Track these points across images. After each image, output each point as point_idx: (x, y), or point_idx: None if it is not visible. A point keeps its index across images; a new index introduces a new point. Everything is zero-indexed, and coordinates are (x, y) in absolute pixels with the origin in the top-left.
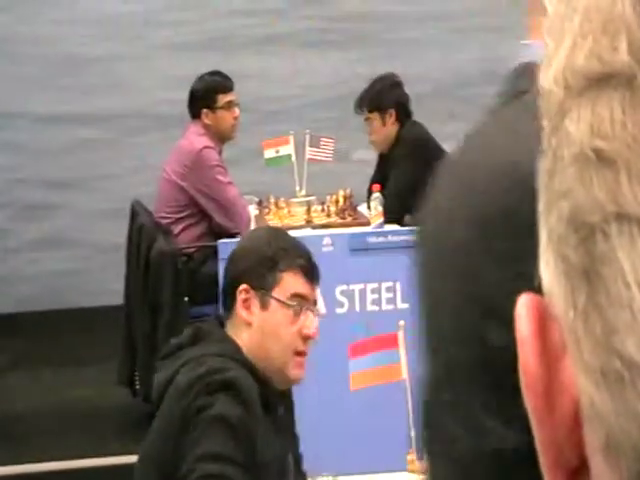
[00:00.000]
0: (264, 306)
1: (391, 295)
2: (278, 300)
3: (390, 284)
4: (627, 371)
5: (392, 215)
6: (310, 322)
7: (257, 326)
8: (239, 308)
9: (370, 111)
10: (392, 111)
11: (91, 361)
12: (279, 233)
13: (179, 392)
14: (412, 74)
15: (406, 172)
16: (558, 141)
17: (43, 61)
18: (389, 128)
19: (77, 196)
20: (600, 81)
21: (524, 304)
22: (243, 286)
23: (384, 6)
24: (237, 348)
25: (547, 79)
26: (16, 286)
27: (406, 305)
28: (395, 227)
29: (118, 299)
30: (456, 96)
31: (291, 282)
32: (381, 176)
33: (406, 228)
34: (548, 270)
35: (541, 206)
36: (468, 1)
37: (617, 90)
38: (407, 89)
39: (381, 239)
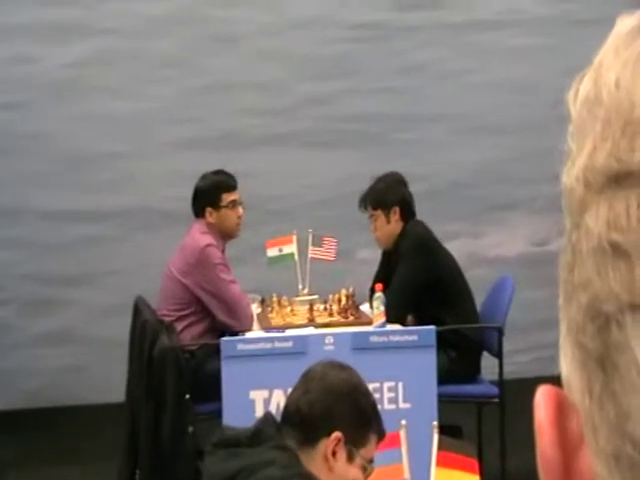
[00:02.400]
0: (350, 459)
1: (393, 395)
2: (363, 460)
3: (392, 384)
4: (639, 455)
5: (394, 312)
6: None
7: (336, 473)
8: (326, 450)
9: (374, 208)
10: (396, 209)
11: (93, 459)
12: (366, 386)
13: None
14: (413, 174)
15: (409, 271)
16: (578, 236)
17: (49, 157)
18: (393, 226)
19: (81, 292)
20: (618, 179)
21: (543, 393)
22: (338, 434)
23: (386, 108)
24: (299, 460)
25: (569, 178)
26: (20, 382)
27: (408, 405)
28: (397, 327)
29: (121, 396)
30: (457, 197)
31: (372, 446)
32: (385, 274)
33: (408, 328)
34: (566, 360)
35: (561, 300)
36: (468, 103)
37: (633, 188)
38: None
39: (383, 339)
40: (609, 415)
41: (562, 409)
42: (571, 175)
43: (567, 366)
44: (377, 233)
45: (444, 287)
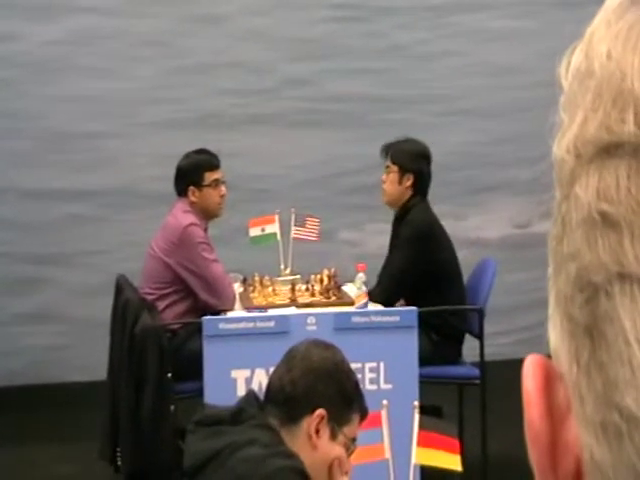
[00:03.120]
0: (333, 437)
1: (374, 375)
2: (346, 438)
3: (374, 364)
4: (625, 424)
5: (385, 296)
6: (349, 461)
7: (320, 451)
8: (310, 428)
9: (393, 162)
10: (410, 176)
11: (74, 437)
12: (349, 365)
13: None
14: None
15: (406, 260)
16: (567, 207)
17: (31, 137)
18: (402, 190)
19: (63, 271)
20: (608, 150)
21: (531, 363)
22: (322, 411)
23: (369, 88)
24: (281, 439)
25: (560, 149)
26: (1, 361)
27: (389, 385)
28: (379, 307)
29: (103, 374)
30: (438, 179)
31: (355, 425)
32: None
33: (390, 309)
34: (555, 331)
35: (550, 270)
36: (450, 86)
37: (623, 158)
38: None
39: (365, 319)
40: (596, 385)
41: (550, 379)
42: (562, 146)
43: (555, 337)
44: (386, 185)
45: (437, 276)
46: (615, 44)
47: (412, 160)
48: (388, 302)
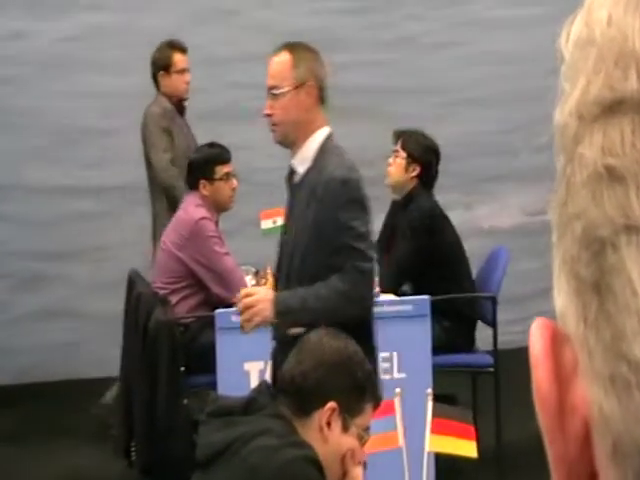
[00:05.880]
0: (345, 429)
1: (388, 365)
2: (358, 428)
3: (387, 354)
4: (634, 376)
5: (390, 281)
6: (363, 450)
7: (331, 443)
8: (321, 421)
9: (402, 147)
10: (417, 167)
11: (89, 432)
12: (361, 355)
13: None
14: None
15: (411, 247)
16: (572, 169)
17: (39, 133)
18: (408, 177)
19: (74, 267)
20: (612, 108)
21: (538, 326)
22: (333, 404)
23: (377, 80)
24: (294, 429)
25: (562, 114)
26: (14, 358)
27: (403, 375)
28: (392, 297)
29: (116, 370)
30: (447, 169)
31: (368, 414)
32: (390, 232)
33: (402, 298)
34: (561, 292)
35: (554, 236)
36: (457, 75)
37: (627, 114)
38: None
39: (377, 309)
40: (605, 337)
41: (556, 341)
42: (564, 111)
43: (562, 298)
44: (391, 169)
45: (444, 264)
46: (616, 9)
47: (422, 151)
48: (391, 287)
